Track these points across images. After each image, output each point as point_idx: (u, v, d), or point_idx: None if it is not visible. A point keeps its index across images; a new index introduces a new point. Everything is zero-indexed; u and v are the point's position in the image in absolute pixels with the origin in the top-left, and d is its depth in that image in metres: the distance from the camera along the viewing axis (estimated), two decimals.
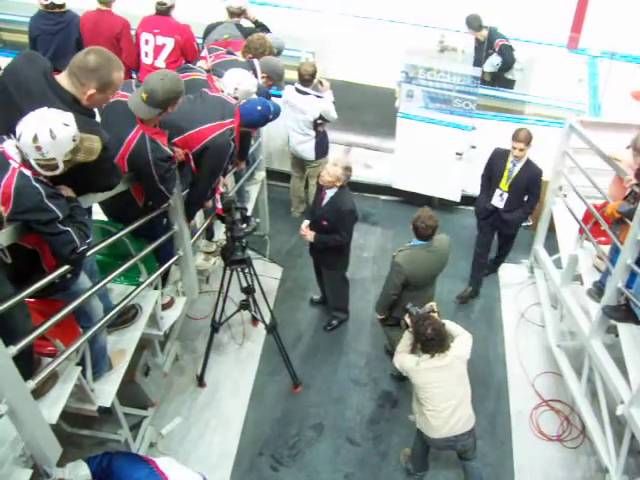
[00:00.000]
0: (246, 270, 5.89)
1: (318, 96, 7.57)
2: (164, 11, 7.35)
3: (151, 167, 4.26)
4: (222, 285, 6.01)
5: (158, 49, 7.34)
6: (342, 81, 8.88)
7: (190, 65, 5.83)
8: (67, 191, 3.44)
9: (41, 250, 3.49)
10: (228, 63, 5.91)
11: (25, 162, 3.19)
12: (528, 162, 6.71)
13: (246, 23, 7.45)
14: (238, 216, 5.52)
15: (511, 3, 10.39)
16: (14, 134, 3.18)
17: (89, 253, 3.70)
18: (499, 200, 6.89)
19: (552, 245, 7.20)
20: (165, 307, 5.48)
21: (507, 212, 6.92)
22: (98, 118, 3.88)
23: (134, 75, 7.52)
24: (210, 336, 6.24)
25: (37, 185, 3.18)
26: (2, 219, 3.03)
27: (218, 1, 7.75)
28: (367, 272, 7.99)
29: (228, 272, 5.95)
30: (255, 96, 5.47)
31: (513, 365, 6.89)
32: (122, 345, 4.80)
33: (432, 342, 4.91)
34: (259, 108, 5.21)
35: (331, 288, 7.09)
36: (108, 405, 4.48)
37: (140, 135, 4.22)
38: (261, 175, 7.74)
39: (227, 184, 6.01)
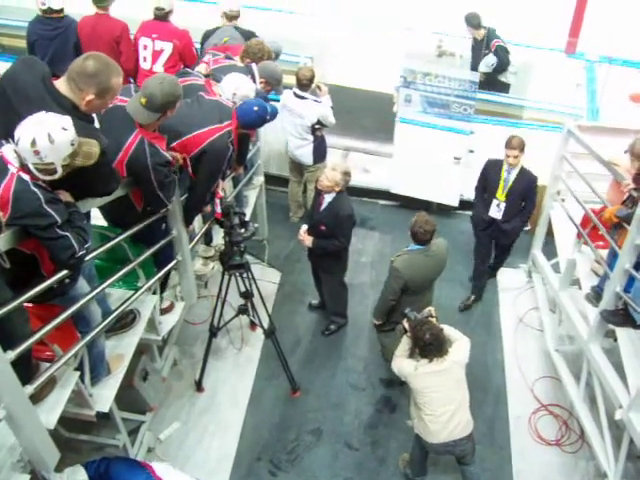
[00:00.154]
0: (244, 275, 5.89)
1: (316, 101, 7.57)
2: (162, 16, 7.34)
3: (150, 172, 4.26)
4: (220, 290, 6.01)
5: (156, 54, 7.33)
6: (340, 86, 8.88)
7: (188, 70, 5.85)
8: (66, 196, 3.44)
9: (40, 255, 3.48)
10: (226, 68, 5.93)
11: (24, 167, 3.19)
12: (522, 170, 6.72)
13: None
14: (236, 221, 5.52)
15: (509, 7, 10.43)
16: (13, 139, 3.17)
17: (87, 258, 3.69)
18: (496, 211, 6.88)
19: (550, 250, 7.21)
20: (165, 312, 5.48)
21: (505, 222, 6.93)
22: (97, 123, 3.89)
23: (132, 80, 7.51)
24: (208, 341, 6.24)
25: (36, 190, 3.18)
26: (0, 224, 3.03)
27: (214, 6, 7.78)
28: (365, 277, 7.99)
29: (227, 277, 5.95)
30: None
31: (511, 370, 6.88)
32: (120, 350, 4.79)
33: (430, 347, 4.91)
34: (255, 109, 5.22)
35: (329, 293, 7.09)
36: (106, 410, 4.47)
37: (139, 140, 4.22)
38: (259, 180, 7.75)
39: (226, 188, 6.00)
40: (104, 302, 4.53)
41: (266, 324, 6.26)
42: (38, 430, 3.62)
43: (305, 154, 7.93)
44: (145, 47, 7.41)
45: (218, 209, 5.45)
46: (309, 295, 7.58)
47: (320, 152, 7.97)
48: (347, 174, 6.14)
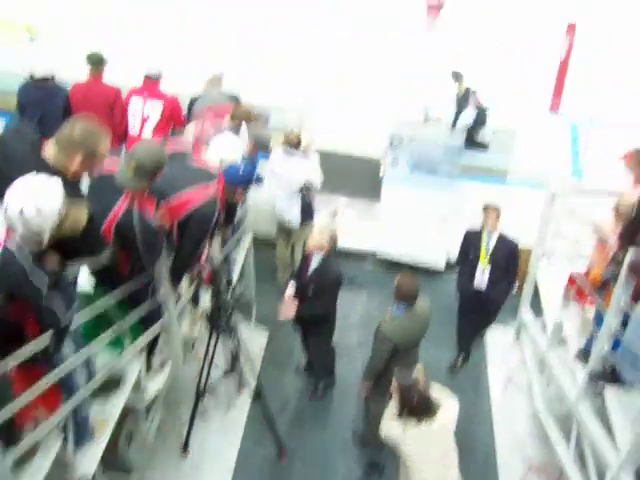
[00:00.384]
0: (232, 336, 5.87)
1: (303, 158, 7.63)
2: (152, 82, 7.48)
3: (137, 237, 4.28)
4: (207, 351, 5.96)
5: (146, 119, 7.44)
6: (328, 151, 8.99)
7: (177, 134, 5.93)
8: (52, 262, 3.44)
9: (24, 321, 3.47)
10: (215, 131, 6.00)
11: (11, 236, 3.19)
12: (502, 236, 6.83)
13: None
14: (224, 282, 5.53)
15: (494, 68, 10.72)
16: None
17: (73, 326, 3.69)
18: (481, 277, 6.96)
19: (539, 303, 7.22)
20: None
21: (491, 290, 6.99)
22: (85, 187, 3.93)
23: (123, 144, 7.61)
24: (195, 403, 6.16)
25: (21, 262, 3.18)
26: None
27: (200, 73, 7.94)
28: (353, 337, 7.96)
29: (214, 338, 5.92)
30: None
31: (500, 430, 6.83)
32: (105, 413, 4.72)
33: (419, 409, 4.87)
34: (241, 169, 5.27)
35: (317, 355, 7.04)
36: (90, 476, 4.39)
37: (127, 205, 4.25)
38: (247, 240, 7.77)
39: (213, 250, 6.02)
40: (89, 365, 4.49)
41: (253, 386, 6.20)
42: None
43: (292, 215, 7.97)
44: (135, 110, 7.53)
45: (204, 271, 5.46)
46: (297, 356, 7.53)
47: (307, 213, 8.01)
48: (334, 237, 6.18)
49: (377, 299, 8.55)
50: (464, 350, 7.67)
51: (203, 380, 6.10)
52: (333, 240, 6.16)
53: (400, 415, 5.14)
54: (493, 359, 7.73)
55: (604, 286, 5.30)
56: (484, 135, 9.95)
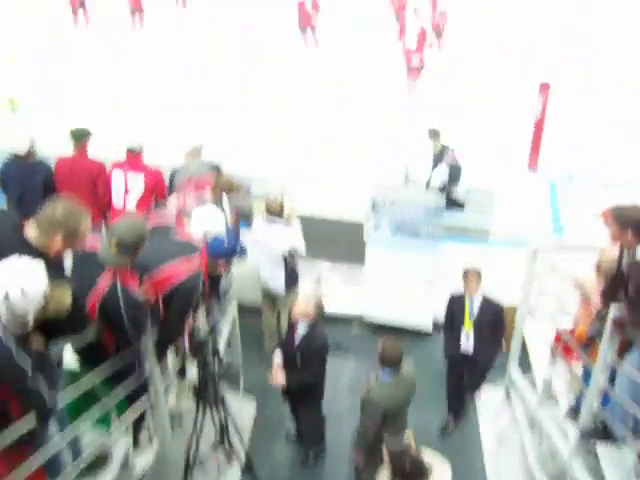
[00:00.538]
0: (220, 407, 5.81)
1: (286, 226, 7.68)
2: (134, 155, 7.55)
3: (122, 313, 4.28)
4: (195, 424, 5.88)
5: (129, 191, 7.48)
6: (311, 216, 9.07)
7: (160, 207, 5.96)
8: (37, 342, 3.43)
9: (9, 402, 3.43)
10: (197, 203, 6.05)
11: None
12: (486, 299, 6.88)
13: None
14: (210, 354, 5.50)
15: (472, 127, 10.93)
16: None
17: (59, 405, 3.65)
18: (466, 342, 6.99)
19: (528, 361, 7.20)
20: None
21: (477, 355, 7.01)
22: (68, 265, 3.94)
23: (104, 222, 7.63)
24: (184, 476, 6.04)
25: (7, 344, 3.17)
26: None
27: (181, 144, 8.04)
28: (343, 403, 7.88)
29: (201, 410, 5.85)
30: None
31: None
32: None
33: (412, 475, 4.82)
34: (225, 242, 5.30)
35: (307, 423, 6.98)
36: None
37: (111, 282, 4.26)
38: (232, 309, 7.75)
39: (198, 322, 6.00)
40: (76, 443, 4.43)
41: (243, 457, 6.12)
42: None
43: (277, 282, 7.98)
44: (118, 184, 7.57)
45: (189, 343, 5.44)
46: (286, 425, 7.44)
47: (292, 280, 8.02)
48: (320, 305, 6.20)
49: (365, 364, 8.49)
50: (455, 412, 7.61)
51: (192, 453, 6.01)
52: (319, 307, 6.18)
53: None
54: (484, 418, 7.67)
55: (590, 342, 5.33)
56: (458, 193, 10.07)
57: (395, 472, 4.93)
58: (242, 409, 7.51)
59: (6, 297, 3.12)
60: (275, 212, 7.61)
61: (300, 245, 7.74)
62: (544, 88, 11.64)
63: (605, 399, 5.03)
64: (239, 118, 13.47)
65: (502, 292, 7.18)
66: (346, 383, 8.28)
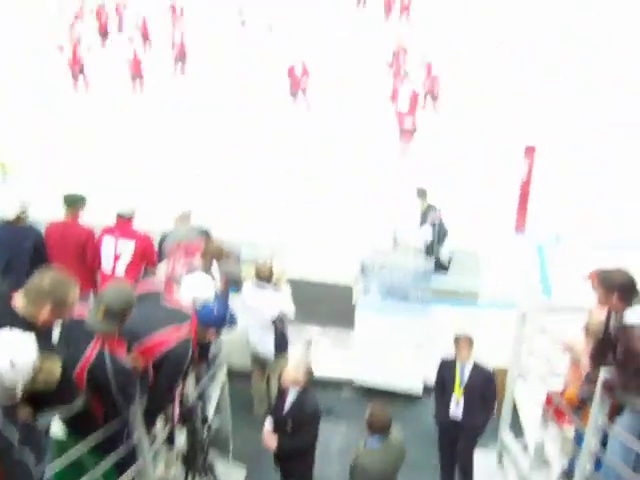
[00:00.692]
0: (209, 475, 5.74)
1: (275, 291, 7.69)
2: (124, 221, 7.57)
3: (111, 381, 4.25)
4: None
5: (118, 257, 7.48)
6: (300, 280, 9.09)
7: (149, 273, 5.97)
8: (24, 414, 3.41)
9: None
10: (186, 270, 6.06)
11: None
12: (476, 366, 6.87)
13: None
14: (199, 421, 5.46)
15: (458, 191, 11.06)
16: None
17: (46, 476, 3.61)
18: (455, 409, 6.96)
19: (519, 423, 7.15)
20: None
21: (467, 420, 6.96)
22: (56, 333, 3.94)
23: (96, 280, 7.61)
24: None
25: None
26: None
27: (171, 209, 8.10)
28: (334, 469, 7.79)
29: (190, 478, 5.77)
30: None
31: None
32: None
33: None
34: (215, 309, 5.31)
35: None
36: None
37: (99, 349, 4.25)
38: (222, 375, 7.70)
39: (187, 388, 5.96)
40: None
41: None
42: None
43: (266, 347, 7.95)
44: (108, 249, 7.56)
45: (178, 411, 5.39)
46: None
47: (282, 344, 8.00)
48: (310, 371, 6.19)
49: (356, 428, 8.37)
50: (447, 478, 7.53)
51: None
52: (309, 374, 6.16)
53: None
54: None
55: (581, 405, 5.32)
56: (442, 254, 10.13)
57: None
58: (231, 476, 7.40)
59: None
60: (264, 277, 7.63)
61: (290, 309, 7.75)
62: (529, 151, 11.82)
63: (598, 463, 4.99)
64: (230, 181, 13.58)
65: (492, 354, 7.17)
66: (337, 448, 8.18)
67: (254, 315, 7.79)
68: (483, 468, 7.72)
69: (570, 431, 5.66)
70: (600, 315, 5.22)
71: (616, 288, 4.72)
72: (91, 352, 4.24)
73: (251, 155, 15.46)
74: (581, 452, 5.06)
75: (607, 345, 4.88)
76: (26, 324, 3.58)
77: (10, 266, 6.89)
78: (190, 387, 6.06)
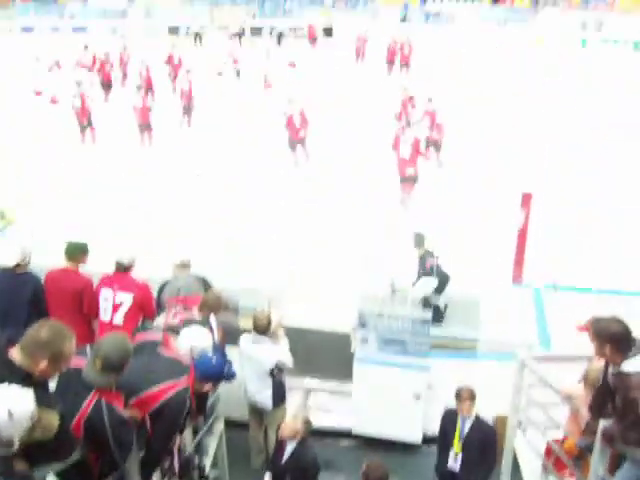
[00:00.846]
0: None
1: (273, 344, 7.67)
2: (123, 270, 7.57)
3: (108, 433, 4.25)
4: None
5: (116, 307, 7.47)
6: (297, 328, 9.07)
7: (147, 324, 5.98)
8: (20, 465, 3.39)
9: None
10: (185, 322, 6.07)
11: None
12: (478, 420, 6.83)
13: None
14: (196, 474, 5.42)
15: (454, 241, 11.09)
16: None
17: None
18: (453, 462, 6.91)
19: (520, 474, 7.06)
20: None
21: (465, 474, 6.90)
22: (53, 386, 3.95)
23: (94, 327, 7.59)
24: None
25: None
26: None
27: (170, 257, 8.12)
28: None
29: None
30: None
31: None
32: None
33: None
34: (213, 363, 5.30)
35: None
36: None
37: (96, 401, 4.25)
38: (219, 427, 7.64)
39: (184, 440, 5.92)
40: None
41: None
42: None
43: (264, 398, 7.87)
44: (106, 299, 7.53)
45: (176, 463, 5.35)
46: None
47: (279, 394, 7.93)
48: (308, 422, 6.16)
49: None
50: None
51: None
52: (307, 425, 6.13)
53: None
54: None
55: (580, 455, 5.28)
56: (439, 302, 10.12)
57: None
58: None
59: None
60: (262, 327, 7.61)
61: (287, 359, 7.71)
62: (526, 199, 11.85)
63: None
64: (230, 233, 13.61)
65: (492, 404, 7.12)
66: None
67: (252, 365, 7.75)
68: None
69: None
70: (599, 363, 5.21)
71: (608, 340, 4.70)
72: (88, 403, 4.24)
73: (255, 205, 15.54)
74: None
75: (606, 394, 4.86)
76: (23, 375, 3.59)
77: (8, 313, 6.88)
78: (187, 439, 6.02)
